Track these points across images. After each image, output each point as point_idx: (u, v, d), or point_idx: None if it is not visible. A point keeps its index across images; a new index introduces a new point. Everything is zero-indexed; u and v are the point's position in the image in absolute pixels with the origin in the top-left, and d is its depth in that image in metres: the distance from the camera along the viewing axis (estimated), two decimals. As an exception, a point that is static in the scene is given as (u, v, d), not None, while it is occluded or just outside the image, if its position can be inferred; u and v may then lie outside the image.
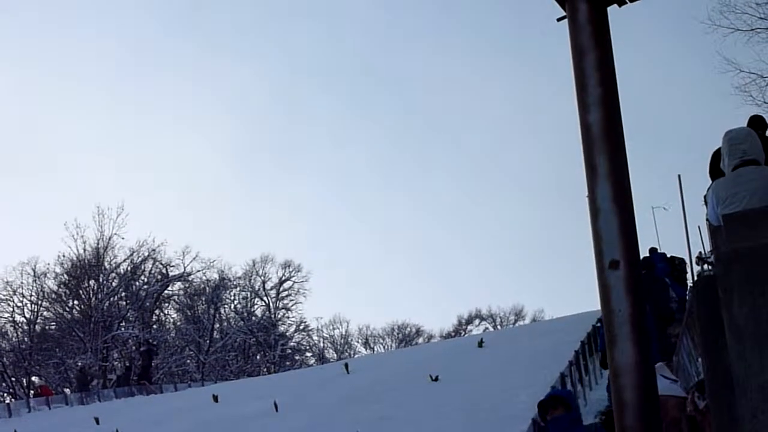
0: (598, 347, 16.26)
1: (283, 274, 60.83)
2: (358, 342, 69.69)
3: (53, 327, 55.00)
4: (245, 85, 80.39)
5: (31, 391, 47.62)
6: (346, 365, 24.85)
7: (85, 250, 53.92)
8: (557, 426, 6.72)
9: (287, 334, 61.17)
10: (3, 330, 53.58)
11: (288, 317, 61.40)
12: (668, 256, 21.03)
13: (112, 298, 54.40)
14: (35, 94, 75.96)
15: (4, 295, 52.48)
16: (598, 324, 16.04)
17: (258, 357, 59.56)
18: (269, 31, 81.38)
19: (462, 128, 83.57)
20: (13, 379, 52.45)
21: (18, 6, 72.29)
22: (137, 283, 55.79)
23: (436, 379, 19.57)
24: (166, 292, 57.35)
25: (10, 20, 72.56)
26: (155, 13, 77.86)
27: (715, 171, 7.04)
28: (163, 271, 56.40)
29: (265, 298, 60.86)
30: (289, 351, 60.81)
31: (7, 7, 68.78)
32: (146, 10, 78.08)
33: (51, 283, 54.15)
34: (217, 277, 58.46)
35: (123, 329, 53.55)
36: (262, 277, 60.84)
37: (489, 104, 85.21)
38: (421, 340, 67.56)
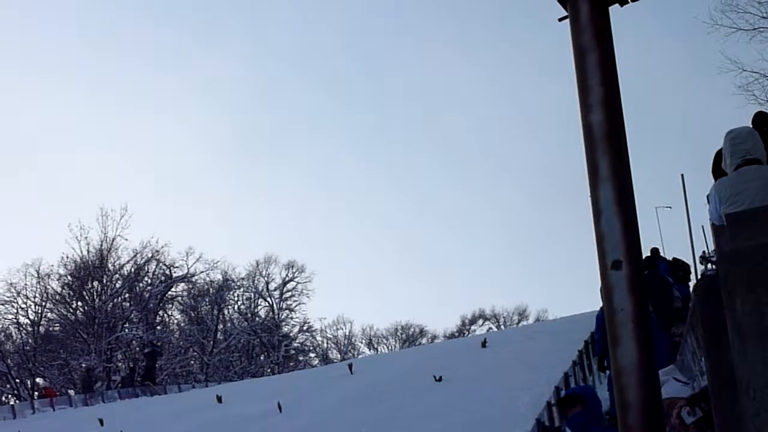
0: (594, 352, 16.17)
1: (287, 275, 60.89)
2: (361, 342, 69.85)
3: (57, 328, 54.98)
4: (242, 85, 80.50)
5: (35, 393, 47.69)
6: (350, 366, 24.81)
7: (88, 251, 53.94)
8: (573, 423, 6.86)
9: (291, 334, 61.15)
10: (7, 332, 53.69)
11: (291, 318, 61.47)
12: (670, 259, 20.98)
13: (115, 300, 54.36)
14: (36, 95, 76.09)
15: (8, 297, 52.55)
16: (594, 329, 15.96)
17: (262, 358, 59.53)
18: (271, 29, 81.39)
19: (465, 128, 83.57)
20: (17, 380, 52.43)
21: (16, 3, 72.38)
22: (141, 285, 55.76)
23: (440, 380, 19.55)
24: (169, 293, 57.35)
25: (7, 20, 72.68)
26: (154, 9, 77.97)
27: (718, 170, 7.04)
28: (167, 272, 56.43)
29: (268, 299, 60.87)
30: (293, 352, 60.78)
31: (6, 3, 68.88)
32: (145, 7, 78.18)
33: (55, 285, 54.19)
34: (221, 278, 58.52)
35: (127, 330, 53.55)
36: (266, 278, 60.91)
37: (490, 104, 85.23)
38: (424, 340, 67.62)
